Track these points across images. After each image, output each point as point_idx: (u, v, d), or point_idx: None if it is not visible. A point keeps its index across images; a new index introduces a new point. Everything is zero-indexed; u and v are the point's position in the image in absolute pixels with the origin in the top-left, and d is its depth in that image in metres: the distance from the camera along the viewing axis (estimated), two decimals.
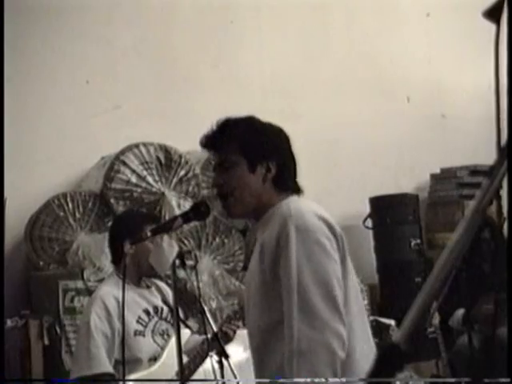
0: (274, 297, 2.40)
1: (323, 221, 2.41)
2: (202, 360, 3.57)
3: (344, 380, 2.33)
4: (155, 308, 3.72)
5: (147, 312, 3.69)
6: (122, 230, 3.64)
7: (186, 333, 3.70)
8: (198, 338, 3.74)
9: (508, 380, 1.39)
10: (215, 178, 2.58)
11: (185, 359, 3.47)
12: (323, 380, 2.29)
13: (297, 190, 2.55)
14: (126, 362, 3.23)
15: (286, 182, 2.53)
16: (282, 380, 2.35)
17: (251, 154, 2.50)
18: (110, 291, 3.59)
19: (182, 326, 3.61)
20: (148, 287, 3.76)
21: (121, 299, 3.21)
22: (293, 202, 2.47)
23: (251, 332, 2.53)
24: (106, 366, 3.48)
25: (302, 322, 2.29)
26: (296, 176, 2.58)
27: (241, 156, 2.50)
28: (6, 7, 4.96)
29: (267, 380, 2.41)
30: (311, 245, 2.36)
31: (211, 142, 2.55)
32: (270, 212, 2.49)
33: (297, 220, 2.38)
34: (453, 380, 4.86)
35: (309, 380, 2.27)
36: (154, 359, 3.62)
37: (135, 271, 3.67)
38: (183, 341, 3.52)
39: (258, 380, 2.49)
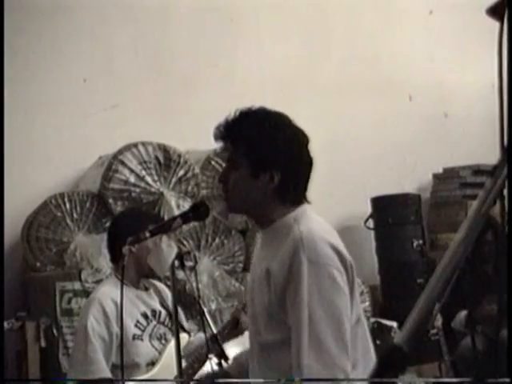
0: (279, 320, 2.38)
1: (336, 251, 2.36)
2: (201, 365, 3.56)
3: (345, 381, 2.32)
4: (153, 311, 3.69)
5: (145, 316, 3.66)
6: (121, 229, 3.59)
7: (183, 337, 3.67)
8: (198, 340, 3.69)
9: (508, 380, 1.38)
10: (222, 173, 2.54)
11: (183, 364, 3.44)
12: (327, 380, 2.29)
13: (302, 200, 2.49)
14: (123, 366, 3.19)
15: (290, 191, 2.46)
16: (283, 380, 2.33)
17: (256, 160, 2.43)
18: (108, 293, 3.56)
19: (180, 329, 3.58)
20: (146, 289, 3.73)
21: (119, 301, 3.18)
22: (303, 225, 2.40)
23: (253, 342, 2.53)
24: (104, 371, 3.46)
25: (311, 357, 2.27)
26: (306, 184, 2.52)
27: (247, 159, 2.44)
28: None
29: (268, 380, 2.39)
30: (323, 279, 2.31)
31: (223, 134, 2.49)
32: (277, 224, 2.44)
33: (309, 251, 2.32)
34: (454, 380, 4.82)
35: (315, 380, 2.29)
36: (151, 364, 3.60)
37: (135, 272, 3.64)
38: (182, 345, 3.49)
39: (259, 380, 2.48)
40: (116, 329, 3.46)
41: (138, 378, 3.51)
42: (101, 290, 3.64)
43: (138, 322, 3.61)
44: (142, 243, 3.31)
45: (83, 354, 3.47)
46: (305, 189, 2.52)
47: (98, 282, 4.66)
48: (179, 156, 5.29)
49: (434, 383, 4.97)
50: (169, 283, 3.44)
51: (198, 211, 2.67)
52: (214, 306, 5.16)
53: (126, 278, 3.55)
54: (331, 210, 6.31)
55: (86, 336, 3.47)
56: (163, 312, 3.70)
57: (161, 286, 3.79)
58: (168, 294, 3.71)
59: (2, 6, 4.93)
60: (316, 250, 2.33)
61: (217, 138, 2.50)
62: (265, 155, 2.44)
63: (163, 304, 3.71)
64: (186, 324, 4.00)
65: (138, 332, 3.59)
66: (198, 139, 4.88)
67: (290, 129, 2.51)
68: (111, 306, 3.51)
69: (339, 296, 2.31)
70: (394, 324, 5.59)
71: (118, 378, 3.39)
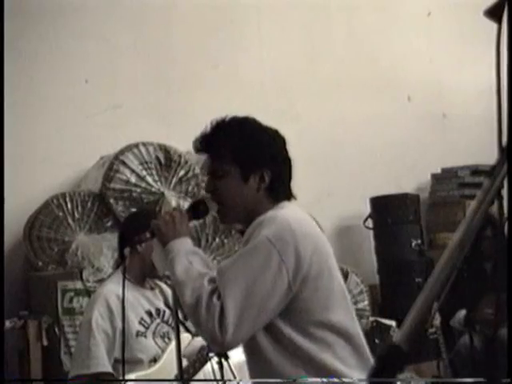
0: None
1: (294, 241, 2.34)
2: (202, 365, 3.58)
3: (345, 380, 2.33)
4: (157, 310, 3.72)
5: (149, 313, 3.69)
6: (130, 229, 3.62)
7: (186, 337, 3.69)
8: (200, 342, 3.72)
9: (508, 380, 1.39)
10: (208, 184, 2.56)
11: (184, 363, 3.46)
12: (326, 380, 2.30)
13: (289, 196, 2.52)
14: (126, 362, 3.24)
15: (280, 189, 2.49)
16: (285, 380, 2.35)
17: (245, 163, 2.46)
18: (113, 289, 3.58)
19: (182, 329, 3.61)
20: (152, 289, 3.77)
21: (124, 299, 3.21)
22: (274, 211, 2.42)
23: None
24: (106, 366, 3.48)
25: (203, 304, 2.28)
26: (290, 181, 2.55)
27: (234, 165, 2.47)
28: (4, 6, 4.95)
29: (269, 380, 2.40)
30: (259, 253, 2.32)
31: (204, 146, 2.52)
32: (258, 219, 2.45)
33: (265, 228, 2.34)
34: (453, 380, 4.85)
35: (318, 380, 2.30)
36: (154, 361, 3.63)
37: (140, 271, 3.68)
38: (184, 345, 3.52)
39: (260, 380, 2.48)
40: (120, 324, 3.47)
41: (140, 374, 3.54)
42: (107, 287, 3.67)
43: (142, 319, 3.64)
44: (148, 243, 3.32)
45: (86, 347, 3.49)
46: (290, 187, 2.54)
47: (100, 281, 4.67)
48: (180, 156, 5.31)
49: (433, 382, 5.00)
50: (169, 282, 3.47)
51: (196, 210, 2.65)
52: None
53: (132, 276, 3.61)
54: (330, 210, 6.33)
55: (89, 330, 3.50)
56: (167, 311, 3.72)
57: (166, 287, 3.82)
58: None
59: (2, 6, 4.94)
60: (271, 228, 2.34)
61: (198, 150, 2.54)
62: (253, 157, 2.47)
63: (167, 304, 3.73)
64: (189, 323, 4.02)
65: (142, 329, 3.62)
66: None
67: (269, 128, 2.55)
68: (116, 303, 3.53)
69: (264, 277, 2.29)
70: (393, 323, 5.61)
71: (120, 373, 3.42)
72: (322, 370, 2.35)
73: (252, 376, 2.51)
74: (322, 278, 2.39)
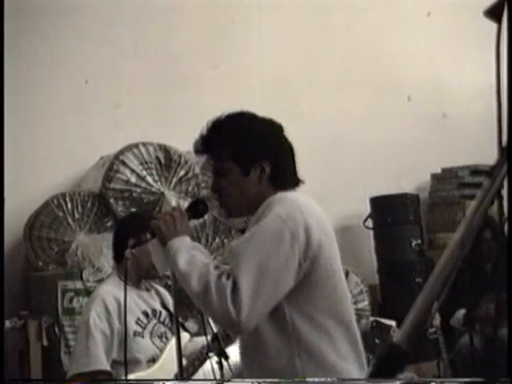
0: None
1: (304, 221, 2.36)
2: (201, 363, 3.59)
3: (345, 380, 2.34)
4: (154, 311, 3.73)
5: (146, 314, 3.70)
6: (126, 230, 3.64)
7: (184, 336, 3.70)
8: (198, 342, 3.73)
9: (508, 380, 1.39)
10: (213, 184, 2.59)
11: (184, 362, 3.47)
12: (327, 380, 2.30)
13: (295, 183, 2.55)
14: (126, 361, 3.22)
15: (283, 177, 2.52)
16: (284, 380, 2.35)
17: (243, 159, 2.50)
18: (110, 291, 3.61)
19: (181, 329, 3.61)
20: (147, 290, 3.79)
21: (121, 299, 3.24)
22: (282, 193, 2.46)
23: (243, 340, 2.56)
24: (104, 364, 3.49)
25: (214, 284, 2.28)
26: (295, 167, 2.57)
27: (233, 163, 2.50)
28: (5, 7, 4.96)
29: (270, 380, 2.39)
30: (270, 231, 2.33)
31: (203, 147, 2.56)
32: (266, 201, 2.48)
33: (276, 207, 2.37)
34: (452, 380, 4.85)
35: (316, 380, 2.29)
36: (152, 361, 3.64)
37: (135, 273, 3.69)
38: (182, 344, 3.52)
39: (260, 380, 2.45)
40: (117, 325, 3.50)
41: (138, 373, 3.55)
42: (103, 288, 3.69)
43: (138, 319, 3.65)
44: (142, 245, 3.33)
45: (85, 347, 3.50)
46: (294, 173, 2.57)
47: (100, 281, 4.68)
48: (180, 156, 5.32)
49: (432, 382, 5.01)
50: (169, 283, 3.47)
51: (196, 209, 2.66)
52: None
53: (128, 279, 3.60)
54: (330, 210, 6.30)
55: (87, 330, 3.51)
56: (164, 312, 3.74)
57: (162, 289, 3.85)
58: (168, 297, 3.77)
59: (2, 6, 4.94)
60: (281, 207, 2.37)
61: (198, 152, 2.57)
62: (250, 151, 2.50)
63: (164, 305, 3.75)
64: (187, 324, 4.02)
65: (139, 329, 3.64)
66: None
67: (262, 120, 2.58)
68: (113, 304, 3.55)
69: (276, 255, 2.31)
70: (393, 323, 5.61)
71: (119, 373, 3.43)
72: (320, 362, 2.37)
73: (245, 365, 2.52)
74: (330, 260, 2.42)
